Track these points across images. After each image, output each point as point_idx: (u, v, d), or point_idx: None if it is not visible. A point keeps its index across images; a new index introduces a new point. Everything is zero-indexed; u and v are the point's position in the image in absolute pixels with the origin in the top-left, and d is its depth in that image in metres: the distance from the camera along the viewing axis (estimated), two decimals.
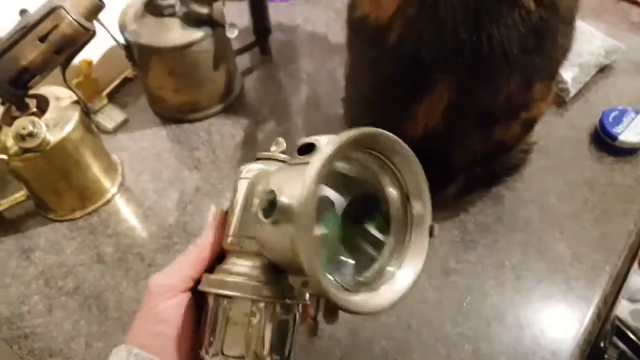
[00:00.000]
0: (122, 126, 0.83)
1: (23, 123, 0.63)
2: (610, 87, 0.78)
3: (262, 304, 0.35)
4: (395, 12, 0.51)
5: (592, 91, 0.78)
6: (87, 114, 0.70)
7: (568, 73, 0.74)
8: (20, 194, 0.72)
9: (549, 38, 0.53)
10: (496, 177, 0.68)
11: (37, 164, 0.66)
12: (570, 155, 0.71)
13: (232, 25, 0.72)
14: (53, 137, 0.65)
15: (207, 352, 0.36)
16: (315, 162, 0.30)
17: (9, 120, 0.66)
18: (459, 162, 0.61)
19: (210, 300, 0.37)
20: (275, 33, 0.89)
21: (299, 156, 0.35)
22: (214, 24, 0.72)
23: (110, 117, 0.83)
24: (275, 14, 0.90)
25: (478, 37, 0.49)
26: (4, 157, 0.65)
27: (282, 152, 0.40)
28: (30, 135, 0.63)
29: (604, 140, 0.70)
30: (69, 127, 0.66)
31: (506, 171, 0.69)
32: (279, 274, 0.36)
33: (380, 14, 0.53)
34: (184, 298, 0.39)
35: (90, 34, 0.63)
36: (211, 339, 0.36)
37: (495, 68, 0.52)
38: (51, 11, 0.60)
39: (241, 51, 0.83)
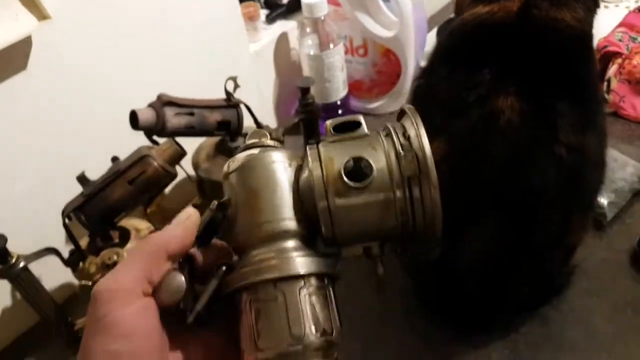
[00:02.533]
0: None
1: (109, 254, 0.72)
2: None
3: (288, 282, 0.33)
4: (438, 161, 0.58)
5: (629, 214, 0.82)
6: None
7: (604, 199, 0.80)
8: None
9: (581, 178, 0.59)
10: (542, 299, 0.72)
11: None
12: (611, 277, 0.74)
13: None
14: None
15: (244, 356, 0.33)
16: (420, 130, 0.34)
17: (94, 249, 0.75)
18: (506, 288, 0.65)
19: (239, 301, 0.34)
20: None
21: (351, 132, 0.36)
22: None
23: None
24: None
25: (517, 182, 0.56)
26: (89, 283, 0.73)
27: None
28: (115, 264, 0.71)
29: None
30: None
31: (552, 293, 0.72)
32: (304, 250, 0.35)
33: None
34: (145, 303, 0.32)
35: (172, 177, 0.73)
36: (246, 340, 0.33)
37: (532, 207, 0.58)
38: (140, 159, 0.71)
39: None
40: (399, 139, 0.35)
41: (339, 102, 1.03)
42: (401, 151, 0.35)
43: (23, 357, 0.78)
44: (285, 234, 0.35)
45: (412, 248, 0.38)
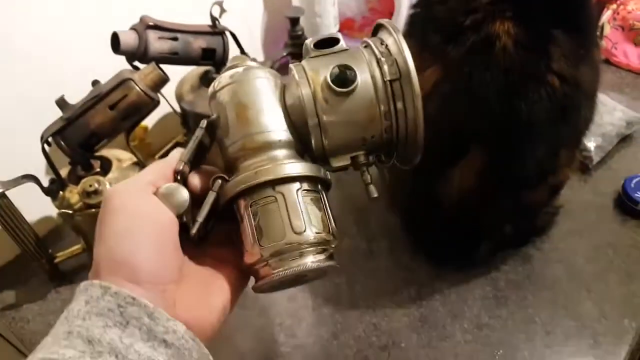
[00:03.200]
0: None
1: (90, 181, 0.70)
2: (632, 155, 0.83)
3: (285, 184, 0.34)
4: (431, 89, 0.57)
5: (614, 159, 0.82)
6: None
7: (591, 142, 0.79)
8: (76, 247, 0.78)
9: (573, 111, 0.58)
10: (525, 237, 0.72)
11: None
12: (594, 219, 0.75)
13: None
14: None
15: (246, 257, 0.35)
16: (398, 35, 0.36)
17: (75, 179, 0.73)
18: (490, 222, 0.65)
19: (238, 208, 0.35)
20: None
21: (330, 48, 0.37)
22: None
23: None
24: None
25: (508, 111, 0.55)
26: (69, 212, 0.71)
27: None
28: (95, 192, 0.69)
29: (627, 205, 0.74)
30: None
31: (534, 232, 0.73)
32: (297, 158, 0.37)
33: None
34: (158, 200, 0.33)
35: (154, 103, 0.70)
36: (248, 241, 0.35)
37: (524, 138, 0.57)
38: (122, 82, 0.68)
39: None
40: (377, 48, 0.37)
41: None
42: (381, 57, 0.36)
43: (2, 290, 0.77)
44: (277, 144, 0.36)
45: (394, 154, 0.39)
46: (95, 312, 0.29)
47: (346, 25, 1.06)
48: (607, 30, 0.97)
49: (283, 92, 0.38)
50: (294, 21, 0.81)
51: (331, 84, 0.35)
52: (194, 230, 0.35)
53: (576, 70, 0.56)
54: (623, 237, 0.72)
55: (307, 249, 0.34)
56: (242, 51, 0.80)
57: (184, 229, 0.35)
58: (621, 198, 0.75)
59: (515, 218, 0.66)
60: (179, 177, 0.36)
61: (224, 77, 0.38)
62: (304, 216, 0.34)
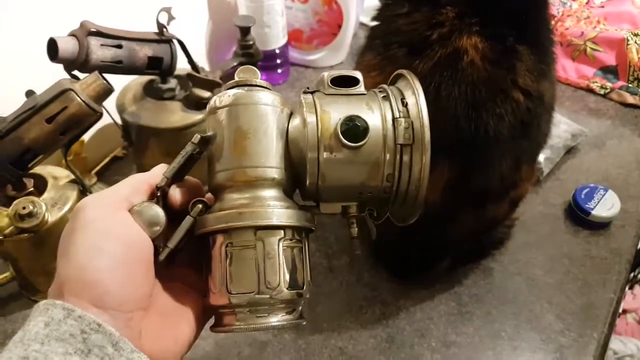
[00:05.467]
0: None
1: (23, 203, 0.63)
2: (578, 166, 0.85)
3: (269, 231, 0.32)
4: None
5: (562, 170, 0.85)
6: (84, 193, 0.70)
7: (541, 155, 0.81)
8: (4, 275, 0.70)
9: (534, 125, 0.59)
10: (485, 250, 0.73)
11: (31, 244, 0.65)
12: (548, 230, 0.76)
13: None
14: (51, 217, 0.64)
15: (212, 298, 0.33)
16: (420, 98, 0.35)
17: (5, 200, 0.66)
18: (453, 236, 0.65)
19: (213, 243, 0.33)
20: None
21: (348, 88, 0.36)
22: None
23: None
24: None
25: (475, 126, 0.54)
26: (0, 237, 0.64)
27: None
28: (30, 215, 0.63)
29: (578, 216, 0.76)
30: (67, 207, 0.66)
31: (493, 245, 0.73)
32: (285, 201, 0.35)
33: None
34: (125, 217, 0.31)
35: (97, 116, 0.65)
36: (216, 282, 0.33)
37: (489, 152, 0.57)
38: (61, 93, 0.62)
39: None
40: (397, 104, 0.35)
41: (277, 51, 0.98)
42: (398, 117, 0.35)
43: None
44: (268, 182, 0.34)
45: (388, 211, 0.38)
46: (55, 337, 0.26)
47: (294, 37, 1.04)
48: None
49: (289, 121, 0.36)
50: (245, 30, 0.78)
51: (340, 135, 0.34)
52: (162, 257, 0.33)
53: (539, 85, 0.57)
54: (577, 248, 0.74)
55: (277, 306, 0.33)
56: (190, 60, 0.75)
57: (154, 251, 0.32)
58: (572, 209, 0.77)
59: (478, 232, 0.66)
60: (159, 193, 0.33)
61: (229, 95, 0.35)
62: (281, 270, 0.32)
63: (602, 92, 0.97)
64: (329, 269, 0.72)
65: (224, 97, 0.35)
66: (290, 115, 0.36)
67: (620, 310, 1.31)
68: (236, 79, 0.37)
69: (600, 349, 0.63)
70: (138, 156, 0.82)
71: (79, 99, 0.62)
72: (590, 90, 0.99)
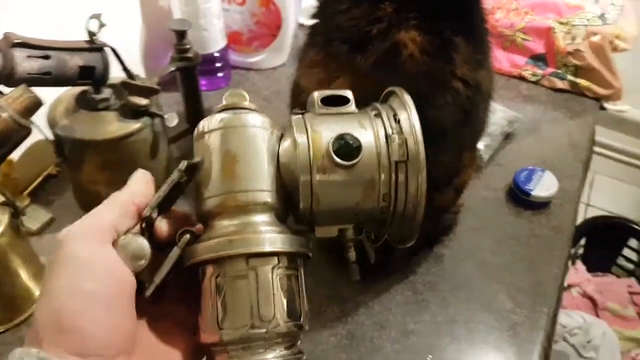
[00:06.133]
0: (48, 226, 0.78)
1: None
2: (516, 151, 0.89)
3: (262, 259, 0.31)
4: None
5: (501, 156, 0.88)
6: (16, 216, 0.67)
7: (480, 142, 0.84)
8: None
9: (474, 114, 0.61)
10: (435, 237, 0.74)
11: None
12: (493, 213, 0.79)
13: (172, 114, 0.73)
14: None
15: (202, 335, 0.31)
16: (412, 114, 0.34)
17: None
18: None
19: (203, 274, 0.31)
20: None
21: (339, 107, 0.35)
22: (152, 114, 0.73)
23: (34, 217, 0.79)
24: (207, 101, 0.93)
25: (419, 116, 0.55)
26: None
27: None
28: None
29: (519, 197, 0.79)
30: None
31: (442, 232, 0.75)
32: (279, 226, 0.33)
33: None
34: (108, 250, 0.29)
35: (26, 132, 0.61)
36: (206, 317, 0.31)
37: (433, 143, 0.58)
38: None
39: (175, 139, 0.84)
40: (389, 121, 0.34)
41: (216, 55, 0.96)
42: (391, 134, 0.34)
43: None
44: (260, 207, 0.33)
45: (386, 233, 0.37)
46: None
47: (233, 39, 1.02)
48: None
49: (279, 143, 0.35)
50: (180, 34, 0.76)
51: (333, 154, 0.32)
52: (148, 293, 0.31)
53: (476, 74, 0.58)
54: (520, 228, 0.76)
55: (274, 341, 0.31)
56: (125, 68, 0.72)
57: (138, 286, 0.30)
58: (513, 191, 0.80)
59: (427, 221, 0.67)
60: (144, 225, 0.31)
61: (215, 119, 0.34)
62: (276, 301, 0.30)
63: (533, 79, 1.02)
64: None
65: (211, 121, 0.34)
66: (281, 137, 0.35)
67: (566, 285, 1.37)
68: (224, 102, 0.35)
69: (551, 322, 0.66)
70: (74, 173, 0.78)
71: (5, 114, 0.58)
72: (522, 78, 1.03)
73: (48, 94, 0.71)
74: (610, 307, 1.32)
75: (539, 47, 1.02)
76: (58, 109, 0.74)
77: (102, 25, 0.67)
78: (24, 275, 0.67)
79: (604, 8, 1.05)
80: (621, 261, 1.50)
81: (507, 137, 0.90)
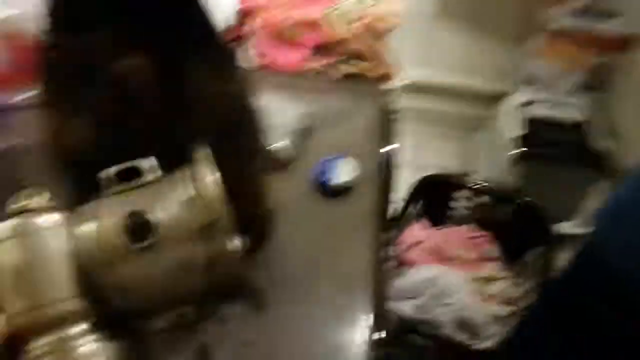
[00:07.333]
0: None
1: None
2: (316, 144, 0.92)
3: None
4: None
5: (304, 151, 0.90)
6: None
7: (280, 142, 0.86)
8: None
9: (237, 125, 0.61)
10: (256, 244, 0.74)
11: None
12: (304, 207, 0.82)
13: None
14: None
15: None
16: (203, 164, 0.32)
17: None
18: None
19: None
20: None
21: (129, 182, 0.33)
22: None
23: None
24: None
25: (171, 146, 0.53)
26: None
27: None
28: None
29: (322, 187, 0.83)
30: None
31: (260, 238, 0.75)
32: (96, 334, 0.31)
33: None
34: None
35: None
36: None
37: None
38: None
39: None
40: (191, 184, 0.33)
41: None
42: (192, 196, 0.32)
43: None
44: (70, 317, 0.30)
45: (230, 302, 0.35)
46: None
47: None
48: (255, 40, 1.06)
49: (73, 241, 0.32)
50: None
51: (124, 238, 0.30)
52: None
53: (222, 86, 0.58)
54: (329, 217, 0.80)
55: None
56: None
57: None
58: (317, 183, 0.83)
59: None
60: None
61: (4, 228, 0.31)
62: None
63: (318, 70, 1.06)
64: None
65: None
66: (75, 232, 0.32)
67: (414, 243, 1.46)
68: (17, 205, 0.32)
69: (378, 304, 0.70)
70: None
71: None
72: (307, 71, 1.07)
73: None
74: (456, 254, 1.44)
75: (316, 37, 1.07)
76: None
77: None
78: None
79: None
80: (455, 212, 1.63)
81: (307, 131, 0.93)
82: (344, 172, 0.83)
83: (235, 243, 0.32)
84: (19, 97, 0.96)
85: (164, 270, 0.31)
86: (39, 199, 0.33)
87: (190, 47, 0.56)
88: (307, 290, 0.71)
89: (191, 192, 0.33)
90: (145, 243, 0.30)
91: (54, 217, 0.32)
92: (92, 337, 0.30)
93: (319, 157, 0.87)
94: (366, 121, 0.97)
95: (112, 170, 0.34)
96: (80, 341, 0.30)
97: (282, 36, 1.09)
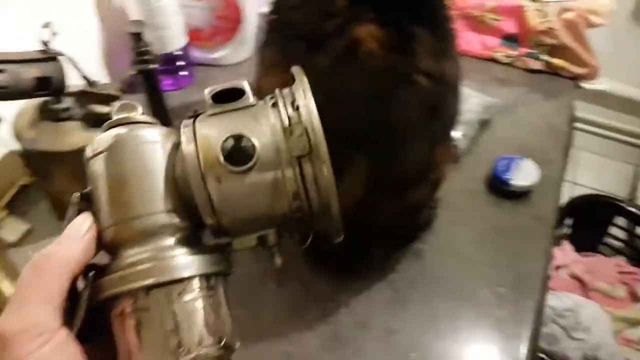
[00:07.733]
0: (26, 237, 0.77)
1: None
2: (494, 138, 0.87)
3: (172, 286, 0.29)
4: None
5: (479, 144, 0.86)
6: None
7: (457, 132, 0.82)
8: None
9: (442, 106, 0.59)
10: (413, 234, 0.72)
11: None
12: (472, 205, 0.77)
13: None
14: None
15: None
16: (306, 90, 0.30)
17: None
18: (380, 226, 0.64)
19: (111, 312, 0.29)
20: (174, 120, 0.89)
21: (229, 103, 0.32)
22: None
23: (12, 229, 0.77)
24: (173, 100, 0.90)
25: (381, 117, 0.53)
26: None
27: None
28: None
29: (499, 187, 0.77)
30: None
31: (421, 228, 0.73)
32: (189, 247, 0.31)
33: None
34: (63, 338, 0.27)
35: None
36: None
37: (400, 141, 0.56)
38: None
39: None
40: (286, 110, 0.31)
41: (177, 53, 0.94)
42: (288, 125, 0.30)
43: None
44: (162, 230, 0.30)
45: (310, 233, 0.34)
46: None
47: (194, 35, 0.99)
48: None
49: (172, 157, 0.32)
50: (137, 36, 0.73)
51: (223, 160, 0.29)
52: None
53: (441, 66, 0.56)
54: (502, 219, 0.75)
55: None
56: (83, 75, 0.70)
57: None
58: (492, 181, 0.78)
59: (403, 218, 0.66)
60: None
61: (102, 140, 0.31)
62: (194, 327, 0.28)
63: (507, 61, 1.00)
64: (265, 272, 0.69)
65: (94, 145, 0.31)
66: (176, 149, 0.32)
67: (555, 267, 1.37)
68: (113, 118, 0.33)
69: (536, 317, 0.64)
70: (45, 184, 0.76)
71: None
72: (495, 61, 1.01)
73: (10, 108, 0.70)
74: (600, 287, 1.32)
75: (510, 26, 1.00)
76: (22, 121, 0.72)
77: (54, 34, 0.65)
78: (5, 288, 0.65)
79: None
80: (609, 240, 1.50)
81: (484, 124, 0.88)
82: (525, 174, 0.77)
83: (328, 176, 0.30)
84: (217, 54, 1.01)
85: (254, 194, 0.30)
86: (135, 112, 0.33)
87: (419, 20, 0.54)
88: (464, 294, 0.67)
89: (286, 117, 0.31)
90: (244, 168, 0.30)
91: (155, 131, 0.32)
92: (183, 250, 0.30)
93: (493, 154, 0.82)
94: (550, 121, 0.90)
95: (208, 90, 0.32)
96: (175, 252, 0.30)
97: (473, 20, 1.03)
